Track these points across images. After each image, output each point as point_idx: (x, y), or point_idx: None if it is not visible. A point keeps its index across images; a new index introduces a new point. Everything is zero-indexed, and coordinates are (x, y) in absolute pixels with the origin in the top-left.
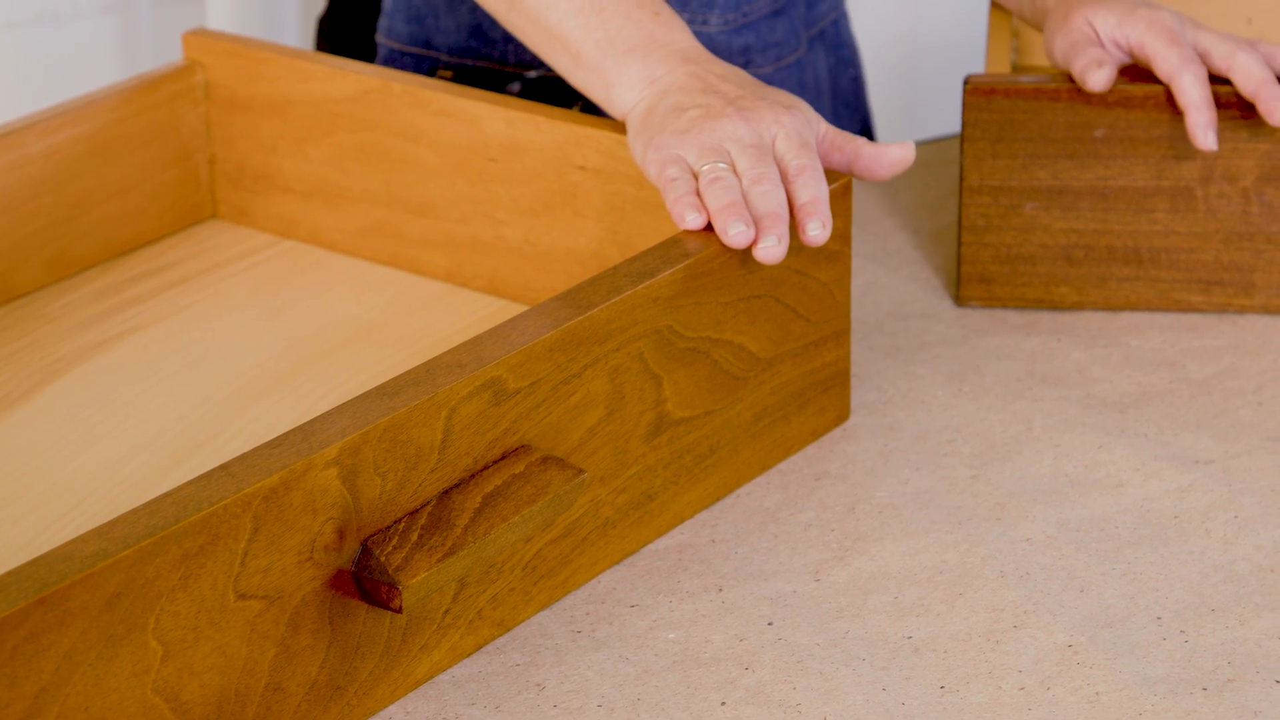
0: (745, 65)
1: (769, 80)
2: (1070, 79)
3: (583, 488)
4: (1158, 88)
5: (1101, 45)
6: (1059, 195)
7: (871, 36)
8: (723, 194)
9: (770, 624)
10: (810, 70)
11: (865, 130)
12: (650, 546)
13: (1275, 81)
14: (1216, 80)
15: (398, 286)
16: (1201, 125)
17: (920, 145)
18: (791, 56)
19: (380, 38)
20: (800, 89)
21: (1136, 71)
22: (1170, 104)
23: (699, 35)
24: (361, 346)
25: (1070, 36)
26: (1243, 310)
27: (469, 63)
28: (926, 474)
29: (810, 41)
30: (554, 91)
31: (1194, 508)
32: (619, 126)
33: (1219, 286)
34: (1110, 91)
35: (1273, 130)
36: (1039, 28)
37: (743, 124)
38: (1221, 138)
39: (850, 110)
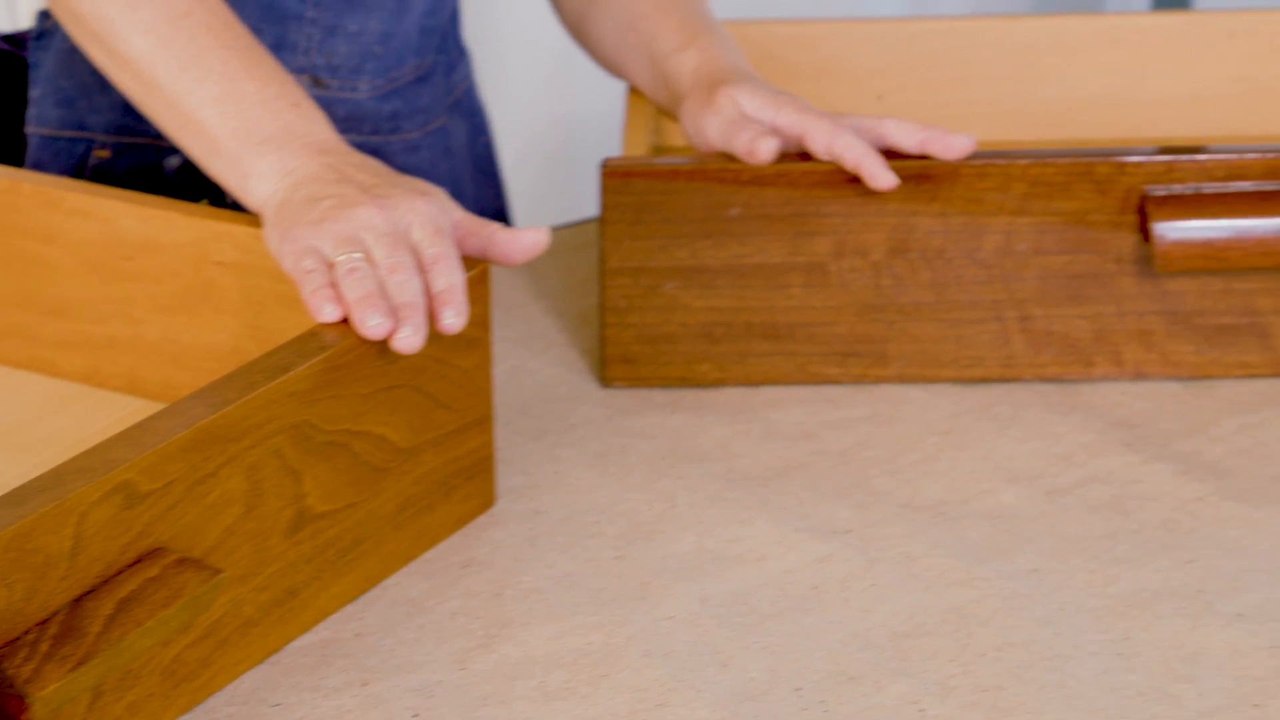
0: (394, 131)
1: (417, 146)
2: (717, 158)
3: (221, 588)
4: (789, 166)
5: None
6: (698, 274)
7: (520, 122)
8: (359, 285)
9: (415, 716)
10: (454, 136)
11: (500, 196)
12: (295, 643)
13: (875, 153)
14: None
15: (33, 390)
16: (877, 168)
17: (565, 228)
18: (436, 123)
19: (30, 127)
20: (446, 155)
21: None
22: (800, 181)
23: (349, 102)
24: None
25: (723, 114)
26: (878, 381)
27: (126, 140)
28: (572, 556)
29: (450, 109)
30: None
31: (832, 577)
32: (256, 221)
33: (854, 358)
34: (742, 170)
35: (900, 204)
36: (673, 114)
37: (378, 213)
38: (850, 212)
39: (486, 176)
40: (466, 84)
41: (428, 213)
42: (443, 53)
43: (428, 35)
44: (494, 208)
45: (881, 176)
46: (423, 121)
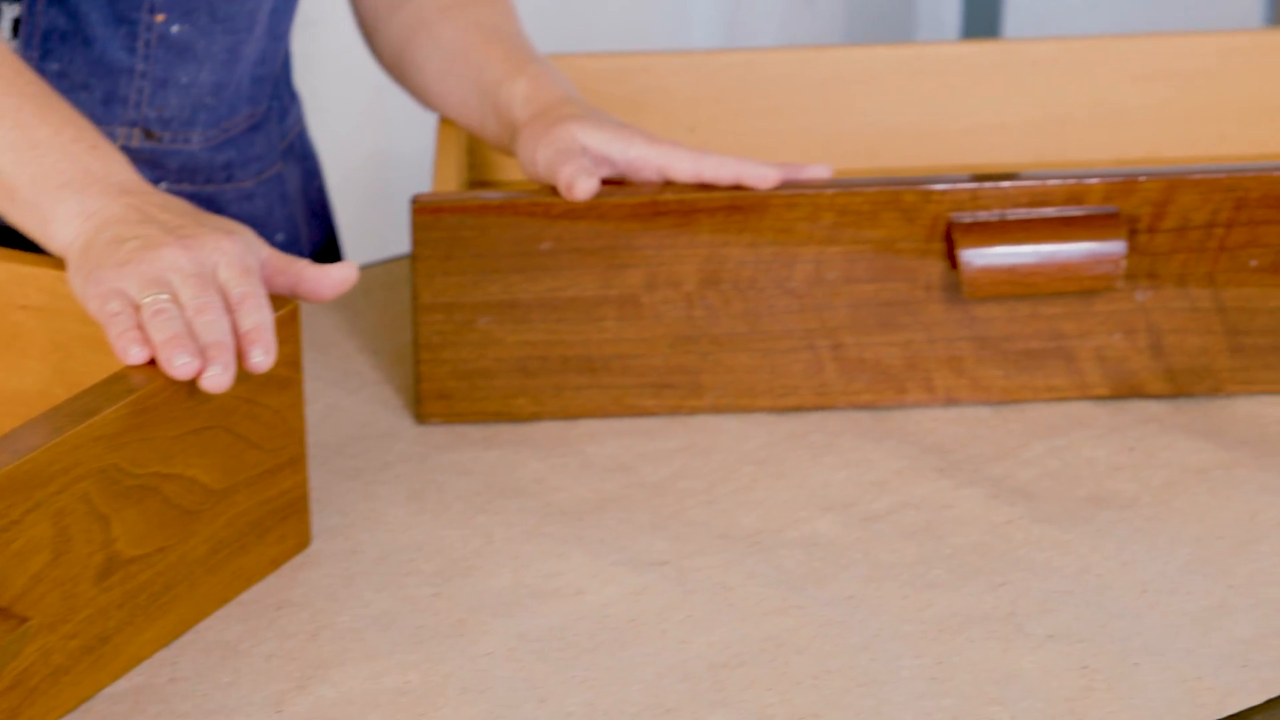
0: (228, 180)
1: (251, 195)
2: (528, 192)
3: (29, 636)
4: (599, 200)
5: (590, 157)
6: (511, 309)
7: (337, 158)
8: (166, 326)
9: None
10: (288, 182)
11: (332, 238)
12: (107, 690)
13: (746, 161)
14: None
15: None
16: (759, 172)
17: (379, 265)
18: (271, 170)
19: None
20: (281, 201)
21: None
22: (611, 214)
23: (182, 153)
24: None
25: (554, 145)
26: (693, 411)
27: None
28: (389, 595)
29: (283, 154)
30: None
31: (649, 609)
32: (61, 265)
33: (669, 389)
34: (553, 204)
35: (711, 235)
36: (506, 147)
37: (183, 253)
38: (661, 244)
39: (320, 219)
40: (299, 128)
41: (234, 252)
42: (275, 99)
43: (260, 84)
44: (328, 251)
45: (769, 177)
46: (257, 170)
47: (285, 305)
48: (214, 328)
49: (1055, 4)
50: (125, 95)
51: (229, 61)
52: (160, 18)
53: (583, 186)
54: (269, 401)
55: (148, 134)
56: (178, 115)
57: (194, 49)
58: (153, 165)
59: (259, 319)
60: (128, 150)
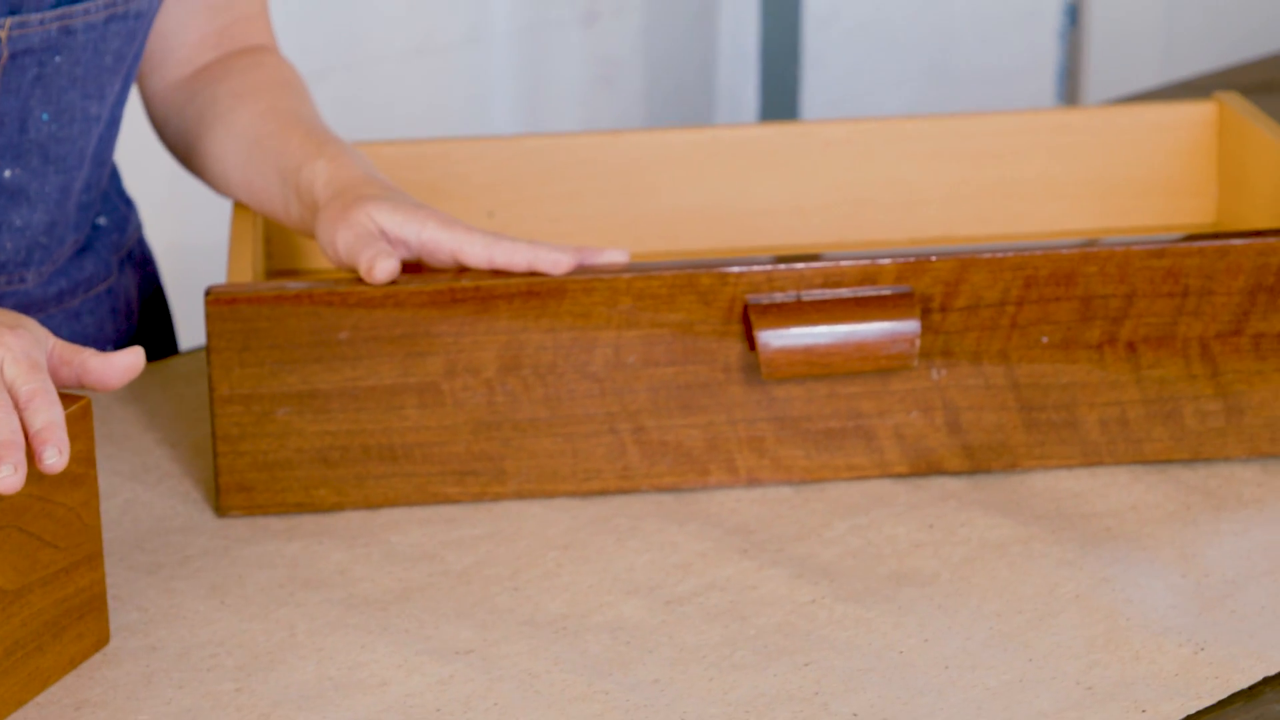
0: (60, 306)
1: (79, 314)
2: (324, 281)
3: None
4: (396, 288)
5: (386, 239)
6: (311, 399)
7: (159, 251)
8: None
9: None
10: (121, 295)
11: (171, 341)
12: None
13: (538, 247)
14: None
15: None
16: (552, 258)
17: (181, 356)
18: (103, 285)
19: None
20: (112, 315)
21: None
22: (409, 301)
23: (16, 294)
24: None
25: (354, 230)
26: (497, 498)
27: None
28: (190, 692)
29: (120, 264)
30: None
31: (455, 699)
32: None
33: (473, 476)
34: (350, 293)
35: (509, 321)
36: (308, 228)
37: None
38: (460, 331)
39: (158, 325)
40: (138, 234)
41: (20, 348)
42: (109, 212)
43: (85, 210)
44: (167, 354)
45: (561, 263)
46: (87, 288)
47: (77, 401)
48: (2, 427)
49: (853, 86)
50: None
51: (61, 201)
52: None
53: (382, 268)
54: (62, 499)
55: None
56: (13, 258)
57: (26, 192)
58: None
59: (49, 417)
60: None
